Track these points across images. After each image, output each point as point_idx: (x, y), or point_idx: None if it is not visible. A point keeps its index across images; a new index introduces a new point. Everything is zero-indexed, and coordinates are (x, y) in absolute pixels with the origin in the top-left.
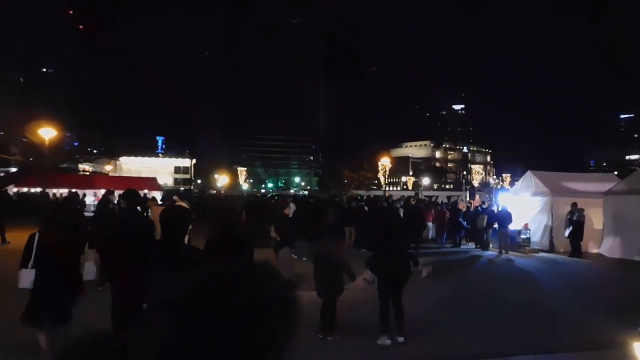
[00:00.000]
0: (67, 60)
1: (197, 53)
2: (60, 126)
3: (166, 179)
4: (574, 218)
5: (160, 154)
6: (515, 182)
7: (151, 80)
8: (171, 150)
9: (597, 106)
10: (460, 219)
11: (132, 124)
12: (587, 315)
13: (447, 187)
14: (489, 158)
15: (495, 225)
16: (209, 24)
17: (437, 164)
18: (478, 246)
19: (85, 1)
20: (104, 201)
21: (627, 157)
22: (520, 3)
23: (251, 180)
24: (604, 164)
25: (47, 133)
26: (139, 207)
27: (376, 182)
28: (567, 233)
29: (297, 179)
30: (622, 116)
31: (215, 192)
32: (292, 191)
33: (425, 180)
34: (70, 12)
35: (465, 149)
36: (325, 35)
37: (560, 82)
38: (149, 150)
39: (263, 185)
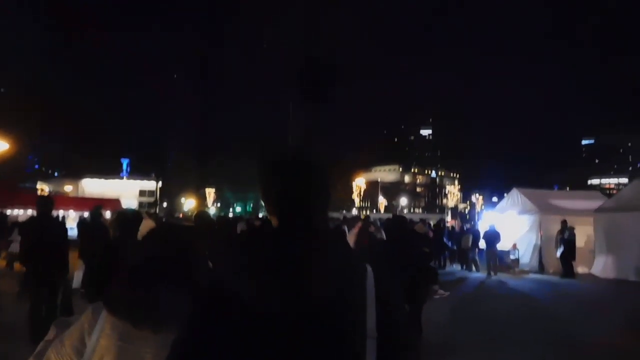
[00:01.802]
0: (31, 78)
1: (166, 74)
2: (20, 144)
3: (131, 202)
4: (565, 237)
5: (125, 177)
6: (494, 201)
7: (118, 101)
8: (137, 172)
9: (561, 132)
10: (445, 239)
11: (97, 146)
12: (611, 337)
13: (418, 210)
14: (456, 182)
15: (482, 246)
16: (178, 45)
17: (406, 188)
18: (464, 267)
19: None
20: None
21: (589, 182)
22: (489, 33)
23: (219, 204)
24: (567, 188)
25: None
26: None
27: (349, 203)
28: (558, 253)
29: None
30: (583, 142)
31: (181, 215)
32: (260, 214)
33: (403, 201)
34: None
35: (433, 174)
36: (294, 59)
37: (526, 109)
38: (113, 172)
39: (231, 209)
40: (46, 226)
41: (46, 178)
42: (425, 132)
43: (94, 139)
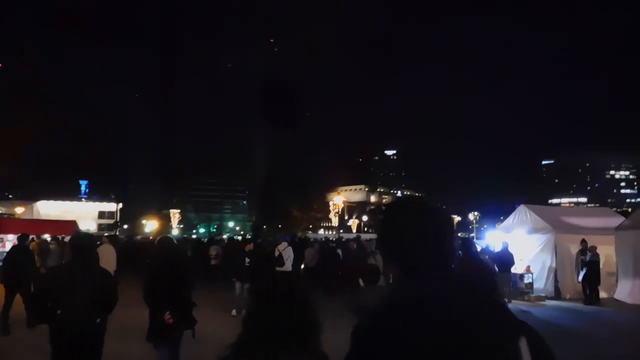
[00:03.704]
0: None
1: (127, 95)
2: None
3: (89, 225)
4: (587, 258)
5: (83, 199)
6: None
7: (77, 123)
8: (96, 194)
9: (522, 151)
10: None
11: (55, 168)
12: None
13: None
14: None
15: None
16: (140, 65)
17: (373, 208)
18: None
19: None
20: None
21: (550, 201)
22: (452, 53)
23: (182, 226)
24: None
25: None
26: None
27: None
28: (580, 277)
29: (230, 224)
30: (543, 162)
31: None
32: (224, 236)
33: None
34: None
35: (399, 193)
36: (258, 80)
37: (488, 131)
38: (71, 194)
39: (195, 231)
40: None
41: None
42: (390, 153)
43: (52, 161)
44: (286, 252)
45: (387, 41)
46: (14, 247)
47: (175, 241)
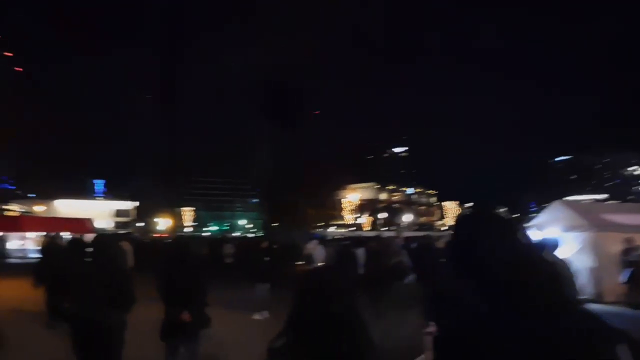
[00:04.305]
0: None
1: (142, 95)
2: None
3: (106, 223)
4: (633, 258)
5: (100, 197)
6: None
7: (92, 123)
8: (112, 193)
9: (534, 150)
10: None
11: (72, 167)
12: None
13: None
14: (431, 200)
15: None
16: (151, 66)
17: (382, 205)
18: None
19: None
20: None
21: (565, 199)
22: (462, 51)
23: (194, 223)
24: (544, 206)
25: None
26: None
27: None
28: (624, 277)
29: (242, 222)
30: (558, 159)
31: (156, 235)
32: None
33: (407, 217)
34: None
35: (409, 191)
36: (269, 79)
37: (501, 128)
38: (89, 193)
39: (206, 228)
40: None
41: (19, 199)
42: (399, 150)
43: (69, 160)
44: (316, 251)
45: (398, 38)
46: (47, 244)
47: (188, 239)
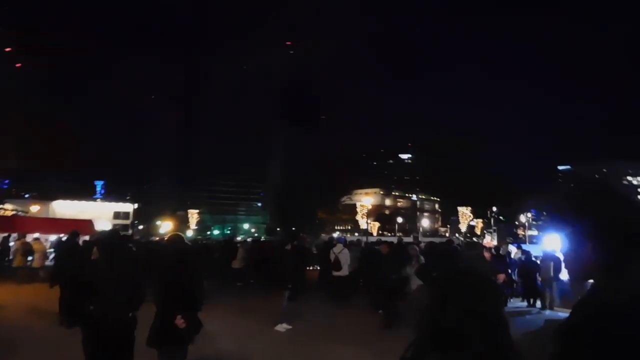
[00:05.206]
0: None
1: (144, 96)
2: None
3: (105, 225)
4: None
5: (99, 199)
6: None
7: (93, 124)
8: (112, 195)
9: (537, 159)
10: (510, 270)
11: (71, 168)
12: None
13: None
14: (436, 206)
15: (564, 277)
16: (157, 67)
17: (387, 212)
18: (532, 303)
19: (26, 39)
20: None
21: None
22: (466, 61)
23: (196, 227)
24: (544, 213)
25: None
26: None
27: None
28: None
29: (245, 226)
30: (559, 167)
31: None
32: (239, 238)
33: (425, 222)
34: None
35: (414, 197)
36: (274, 83)
37: (502, 136)
38: (88, 194)
39: (209, 232)
40: None
41: (15, 199)
42: (405, 156)
43: (69, 161)
44: (343, 255)
45: (405, 46)
46: (63, 243)
47: (185, 240)
